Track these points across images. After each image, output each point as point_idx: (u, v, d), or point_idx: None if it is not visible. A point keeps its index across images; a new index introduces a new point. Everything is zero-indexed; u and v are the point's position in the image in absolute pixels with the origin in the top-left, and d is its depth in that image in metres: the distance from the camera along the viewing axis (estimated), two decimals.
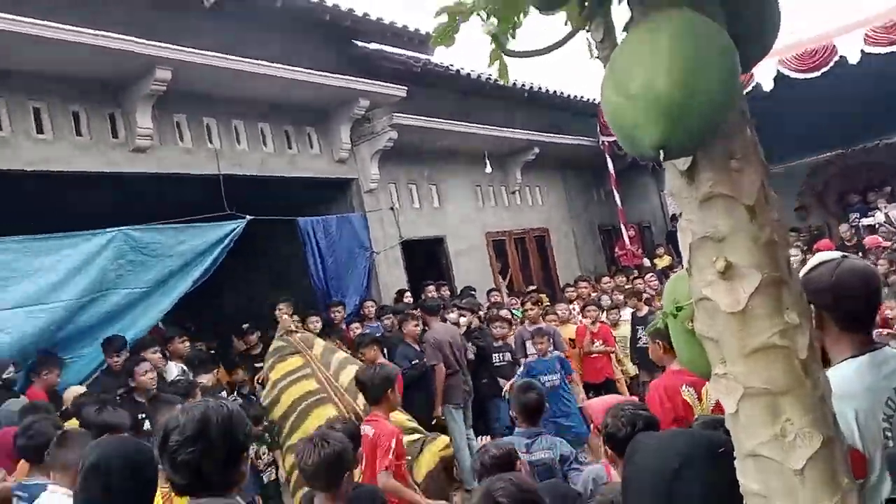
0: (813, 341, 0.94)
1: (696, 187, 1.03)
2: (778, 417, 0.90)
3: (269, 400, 5.35)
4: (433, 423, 6.21)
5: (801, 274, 1.91)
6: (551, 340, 6.66)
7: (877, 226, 11.78)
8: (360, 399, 4.44)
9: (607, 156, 12.28)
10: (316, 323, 7.38)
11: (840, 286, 1.75)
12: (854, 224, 12.90)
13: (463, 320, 7.61)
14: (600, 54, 1.18)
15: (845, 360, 1.75)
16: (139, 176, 6.71)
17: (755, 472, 0.92)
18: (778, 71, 9.76)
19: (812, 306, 1.82)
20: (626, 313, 8.11)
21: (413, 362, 6.56)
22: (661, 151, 0.95)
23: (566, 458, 3.64)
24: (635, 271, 10.59)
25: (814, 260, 1.92)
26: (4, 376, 4.89)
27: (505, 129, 10.76)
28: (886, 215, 12.11)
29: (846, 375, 1.68)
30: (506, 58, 1.32)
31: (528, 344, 6.96)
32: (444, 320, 7.36)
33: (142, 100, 6.43)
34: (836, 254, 1.90)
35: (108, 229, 6.00)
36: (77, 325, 5.73)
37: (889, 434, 1.54)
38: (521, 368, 6.72)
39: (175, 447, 1.75)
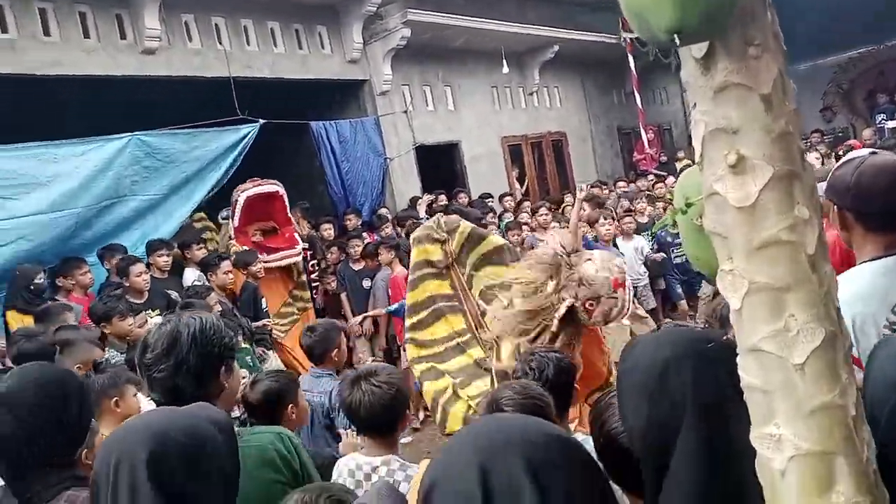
0: (823, 236, 0.91)
1: (711, 76, 0.97)
2: (782, 313, 0.89)
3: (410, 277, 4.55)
4: None
5: (830, 174, 1.84)
6: None
7: None
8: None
9: (629, 54, 11.64)
10: (329, 230, 7.41)
11: (860, 185, 1.69)
12: (880, 126, 12.41)
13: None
14: None
15: (865, 262, 1.71)
16: (149, 79, 6.62)
17: (756, 368, 0.92)
18: None
19: (836, 207, 1.79)
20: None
21: None
22: (676, 36, 0.90)
23: None
24: (652, 176, 10.40)
25: (844, 158, 1.85)
26: (36, 282, 4.87)
27: (524, 24, 10.34)
28: None
29: (853, 279, 1.65)
30: None
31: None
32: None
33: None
34: (865, 151, 1.83)
35: (122, 135, 5.94)
36: (94, 231, 5.79)
37: None
38: None
39: (150, 364, 1.74)
